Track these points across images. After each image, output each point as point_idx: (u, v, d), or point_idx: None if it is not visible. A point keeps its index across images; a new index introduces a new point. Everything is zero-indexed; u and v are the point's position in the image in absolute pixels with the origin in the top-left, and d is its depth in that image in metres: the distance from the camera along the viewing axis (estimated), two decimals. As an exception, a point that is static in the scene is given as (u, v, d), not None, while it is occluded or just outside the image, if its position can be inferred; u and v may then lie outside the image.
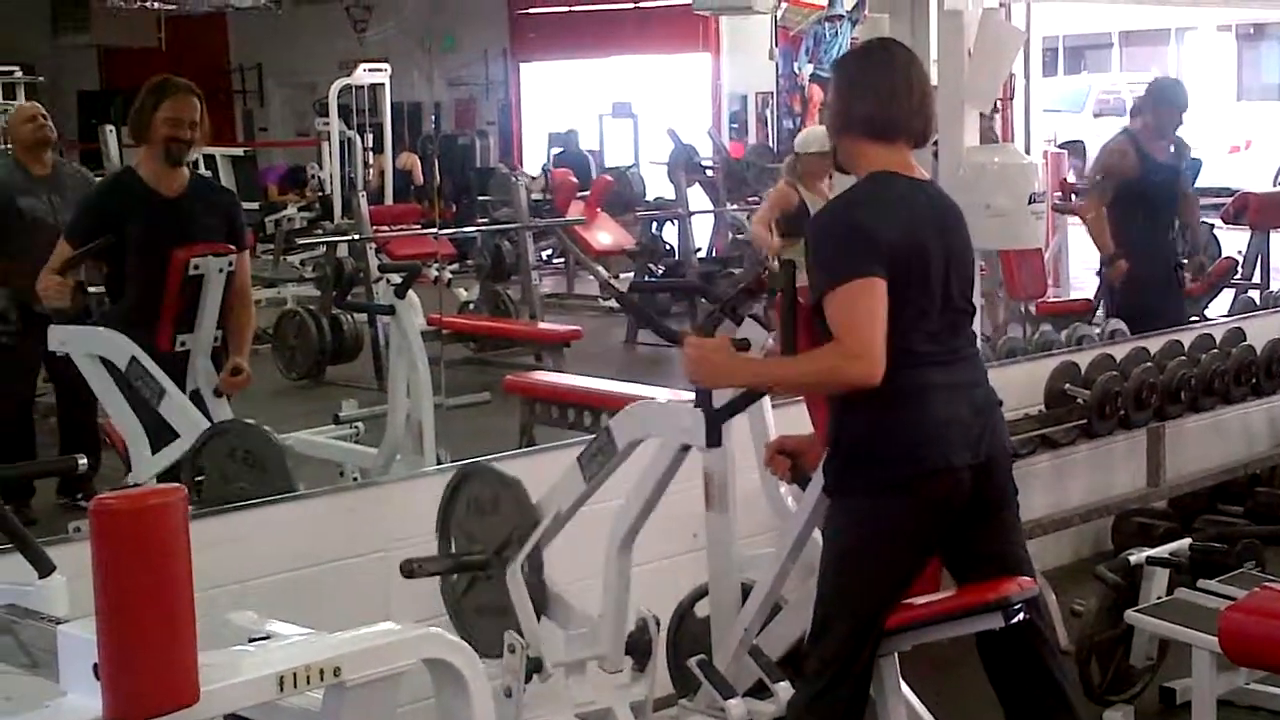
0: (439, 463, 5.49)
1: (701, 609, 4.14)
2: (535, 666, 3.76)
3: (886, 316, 3.31)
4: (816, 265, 3.40)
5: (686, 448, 3.72)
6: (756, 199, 13.82)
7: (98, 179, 7.57)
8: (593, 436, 3.94)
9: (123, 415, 4.91)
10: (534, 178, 14.54)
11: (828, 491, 3.52)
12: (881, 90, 3.50)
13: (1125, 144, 7.33)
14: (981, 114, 6.00)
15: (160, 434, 4.86)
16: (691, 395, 3.69)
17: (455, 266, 12.73)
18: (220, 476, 4.52)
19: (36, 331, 6.63)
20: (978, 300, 4.17)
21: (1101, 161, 7.49)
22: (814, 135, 7.08)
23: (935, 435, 3.39)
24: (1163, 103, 7.33)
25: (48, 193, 6.64)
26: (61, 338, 4.97)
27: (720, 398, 3.65)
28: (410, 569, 3.89)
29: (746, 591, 3.89)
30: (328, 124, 14.18)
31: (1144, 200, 7.20)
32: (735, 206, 14.02)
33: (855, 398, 3.40)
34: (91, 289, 6.86)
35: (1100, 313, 8.22)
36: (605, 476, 3.86)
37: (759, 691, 3.79)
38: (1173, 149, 7.62)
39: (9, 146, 7.68)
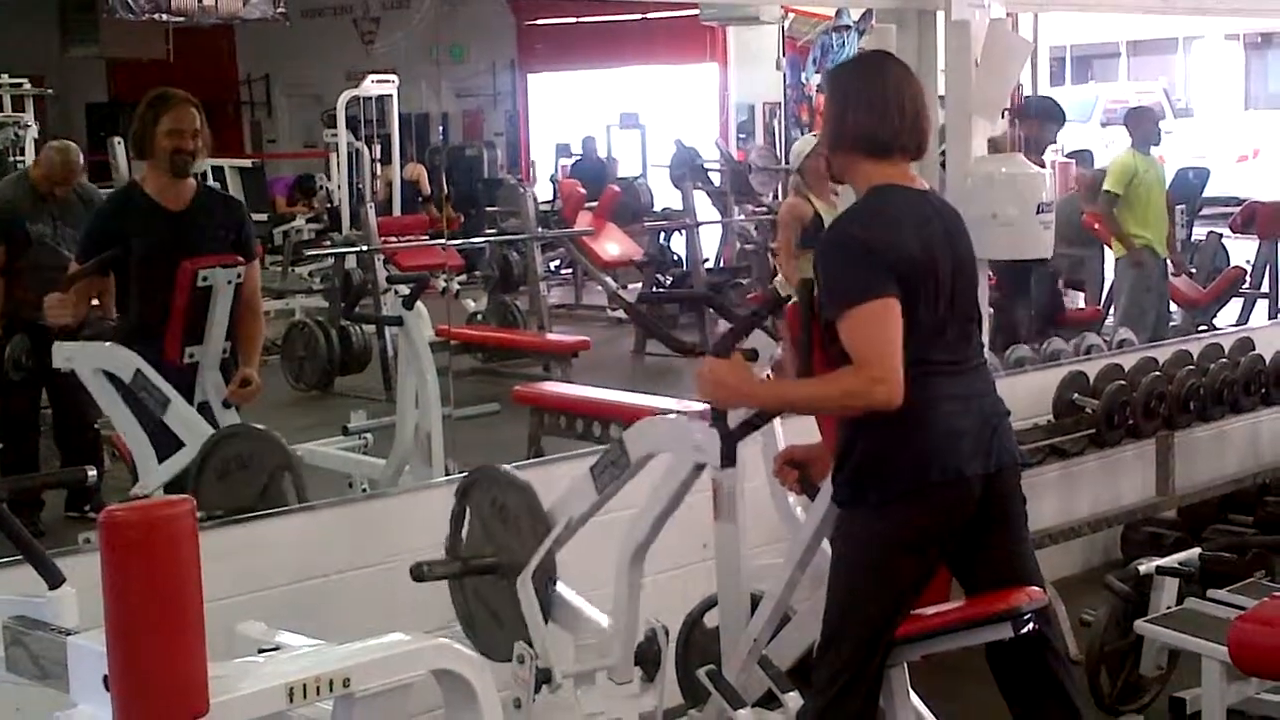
0: (447, 473, 5.49)
1: (711, 619, 4.14)
2: (544, 677, 3.77)
3: (902, 335, 3.29)
4: (827, 287, 3.39)
5: (701, 466, 3.71)
6: (763, 208, 13.85)
7: (104, 190, 7.63)
8: (605, 448, 3.95)
9: (130, 427, 4.90)
10: (548, 201, 14.59)
11: (837, 503, 3.52)
12: (875, 107, 3.49)
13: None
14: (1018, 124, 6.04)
15: (168, 444, 4.86)
16: (702, 405, 3.70)
17: (463, 277, 12.73)
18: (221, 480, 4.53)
19: (42, 351, 6.70)
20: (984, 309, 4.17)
21: None
22: (807, 141, 7.10)
23: (946, 446, 3.38)
24: None
25: (54, 217, 6.71)
26: (67, 354, 4.96)
27: (735, 417, 3.65)
28: (420, 572, 3.91)
29: (756, 602, 3.89)
30: (336, 135, 14.19)
31: None
32: (743, 216, 14.03)
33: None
34: (94, 300, 6.96)
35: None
36: (617, 489, 3.87)
37: (768, 702, 3.78)
38: None
39: (20, 160, 7.74)
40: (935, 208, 3.58)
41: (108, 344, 4.93)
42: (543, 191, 16.38)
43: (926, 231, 3.45)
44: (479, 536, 4.09)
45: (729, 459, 3.62)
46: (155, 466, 4.86)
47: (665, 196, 15.41)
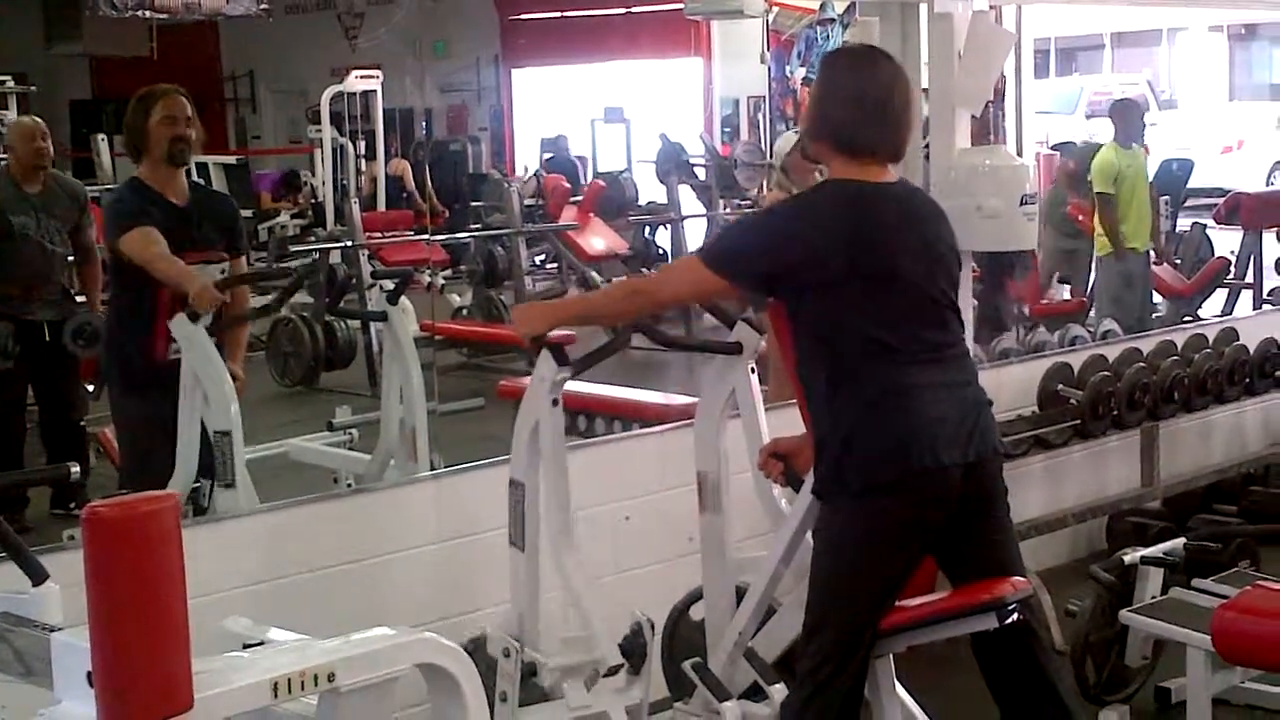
0: (433, 469, 5.48)
1: (696, 612, 4.14)
2: (530, 671, 3.76)
3: (699, 300, 3.96)
4: (725, 228, 3.60)
5: (555, 394, 3.81)
6: (748, 202, 13.85)
7: (89, 187, 7.60)
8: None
9: (188, 443, 4.78)
10: (525, 181, 14.53)
11: (817, 495, 3.52)
12: (858, 107, 3.49)
13: None
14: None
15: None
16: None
17: (448, 272, 12.72)
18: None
19: (27, 341, 6.66)
20: (967, 300, 4.18)
21: None
22: (789, 139, 7.11)
23: (923, 434, 3.38)
24: None
25: (37, 210, 6.67)
26: (188, 333, 4.70)
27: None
28: None
29: (741, 594, 3.89)
30: (320, 131, 14.15)
31: None
32: (728, 210, 14.02)
33: (841, 399, 3.41)
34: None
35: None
36: (533, 528, 3.85)
37: (754, 694, 3.79)
38: None
39: (3, 157, 7.70)
40: (900, 199, 3.57)
41: (226, 374, 4.74)
42: (525, 186, 16.36)
43: (878, 224, 3.46)
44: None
45: (561, 361, 3.79)
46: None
47: (650, 191, 15.40)
